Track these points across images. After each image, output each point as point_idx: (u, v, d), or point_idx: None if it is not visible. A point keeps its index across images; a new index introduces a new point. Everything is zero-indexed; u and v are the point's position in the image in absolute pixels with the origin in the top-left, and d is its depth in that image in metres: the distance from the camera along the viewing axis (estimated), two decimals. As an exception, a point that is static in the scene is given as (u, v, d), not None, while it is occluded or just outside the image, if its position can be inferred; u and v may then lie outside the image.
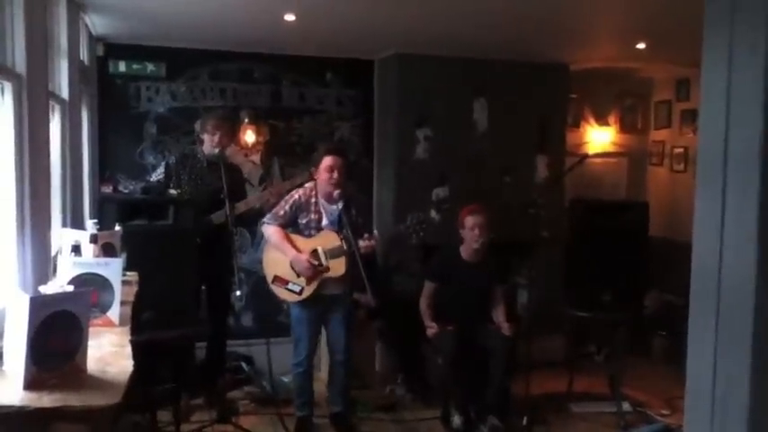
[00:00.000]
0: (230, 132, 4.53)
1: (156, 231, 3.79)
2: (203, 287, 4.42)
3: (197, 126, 4.72)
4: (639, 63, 5.84)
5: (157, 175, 4.43)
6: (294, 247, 3.93)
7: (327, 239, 3.91)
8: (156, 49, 5.07)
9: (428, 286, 4.47)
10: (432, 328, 4.32)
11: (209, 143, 4.37)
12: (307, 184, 4.07)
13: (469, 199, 4.70)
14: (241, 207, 4.28)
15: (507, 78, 5.51)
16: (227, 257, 4.01)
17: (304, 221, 3.99)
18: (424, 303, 4.44)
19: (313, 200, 3.99)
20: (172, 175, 4.37)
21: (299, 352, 4.07)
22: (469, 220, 4.36)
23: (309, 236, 3.97)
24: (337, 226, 3.91)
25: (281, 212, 4.00)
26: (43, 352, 1.69)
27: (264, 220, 4.08)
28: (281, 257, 3.96)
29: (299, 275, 3.93)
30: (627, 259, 4.62)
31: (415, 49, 5.22)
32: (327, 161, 3.92)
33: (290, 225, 4.02)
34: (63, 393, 1.65)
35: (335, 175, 3.89)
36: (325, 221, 3.97)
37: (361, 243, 3.77)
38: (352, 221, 3.85)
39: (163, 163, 4.52)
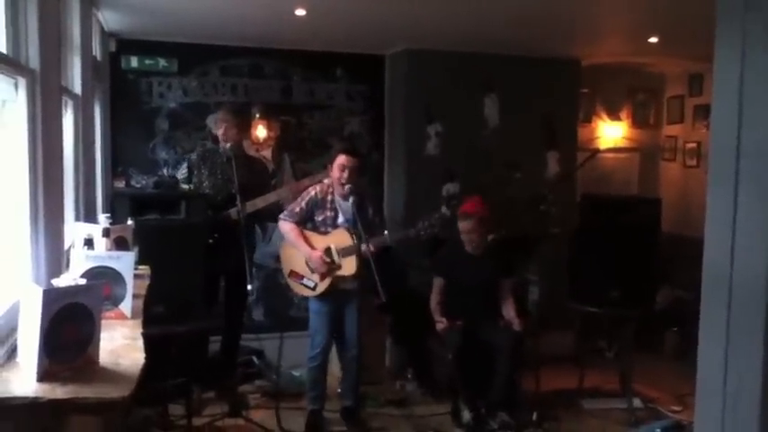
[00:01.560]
0: (239, 125, 4.53)
1: (168, 225, 3.82)
2: (222, 283, 4.45)
3: (209, 122, 4.74)
4: (651, 58, 5.80)
5: (182, 173, 4.48)
6: (308, 244, 3.98)
7: (340, 238, 3.95)
8: (168, 44, 5.10)
9: (437, 283, 4.48)
10: (441, 323, 4.32)
11: (221, 138, 4.40)
12: (325, 180, 4.09)
13: (479, 195, 4.68)
14: (259, 203, 4.29)
15: (518, 74, 5.49)
16: (240, 251, 4.04)
17: (320, 218, 4.02)
18: (434, 300, 4.45)
19: (329, 197, 4.02)
20: (194, 170, 4.43)
21: (314, 345, 4.10)
22: (462, 226, 4.35)
23: (325, 233, 4.00)
24: (353, 223, 3.93)
25: (297, 209, 4.04)
26: (56, 344, 1.70)
27: (281, 216, 4.11)
28: (298, 253, 4.02)
29: (312, 272, 3.98)
30: (638, 255, 4.58)
31: (425, 44, 5.21)
32: (340, 159, 3.95)
33: (306, 222, 4.05)
34: (76, 385, 1.66)
35: (347, 173, 3.92)
36: (341, 219, 4.00)
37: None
38: (366, 220, 3.89)
39: (185, 159, 4.56)
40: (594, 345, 5.51)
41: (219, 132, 4.40)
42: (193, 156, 4.58)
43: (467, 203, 4.51)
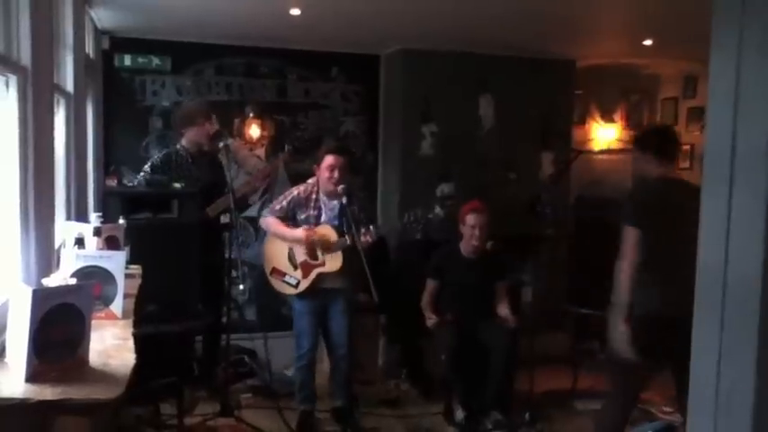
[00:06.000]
0: (206, 124, 4.43)
1: (160, 225, 3.80)
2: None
3: (178, 120, 4.62)
4: (646, 59, 5.82)
5: (143, 175, 4.36)
6: None
7: (324, 234, 3.93)
8: (162, 42, 5.07)
9: (430, 284, 4.48)
10: (431, 319, 4.33)
11: (186, 139, 4.39)
12: (309, 180, 4.08)
13: (474, 195, 4.69)
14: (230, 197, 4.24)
15: (513, 74, 5.49)
16: (220, 249, 4.02)
17: (303, 217, 4.01)
18: (425, 300, 4.46)
19: (314, 196, 4.01)
20: (157, 172, 4.29)
21: (300, 345, 4.08)
22: (471, 219, 4.35)
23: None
24: (338, 221, 3.92)
25: (278, 207, 4.04)
26: (46, 344, 1.69)
27: (263, 213, 4.12)
28: (280, 249, 4.01)
29: (295, 268, 3.96)
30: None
31: (420, 44, 5.20)
32: (328, 160, 3.93)
33: (288, 220, 4.05)
34: (65, 386, 1.64)
35: (336, 174, 3.91)
36: (324, 218, 3.99)
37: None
38: (353, 216, 3.88)
39: (148, 165, 4.40)
40: (588, 346, 5.51)
41: (190, 136, 4.33)
42: (156, 160, 4.41)
43: (471, 202, 4.49)
